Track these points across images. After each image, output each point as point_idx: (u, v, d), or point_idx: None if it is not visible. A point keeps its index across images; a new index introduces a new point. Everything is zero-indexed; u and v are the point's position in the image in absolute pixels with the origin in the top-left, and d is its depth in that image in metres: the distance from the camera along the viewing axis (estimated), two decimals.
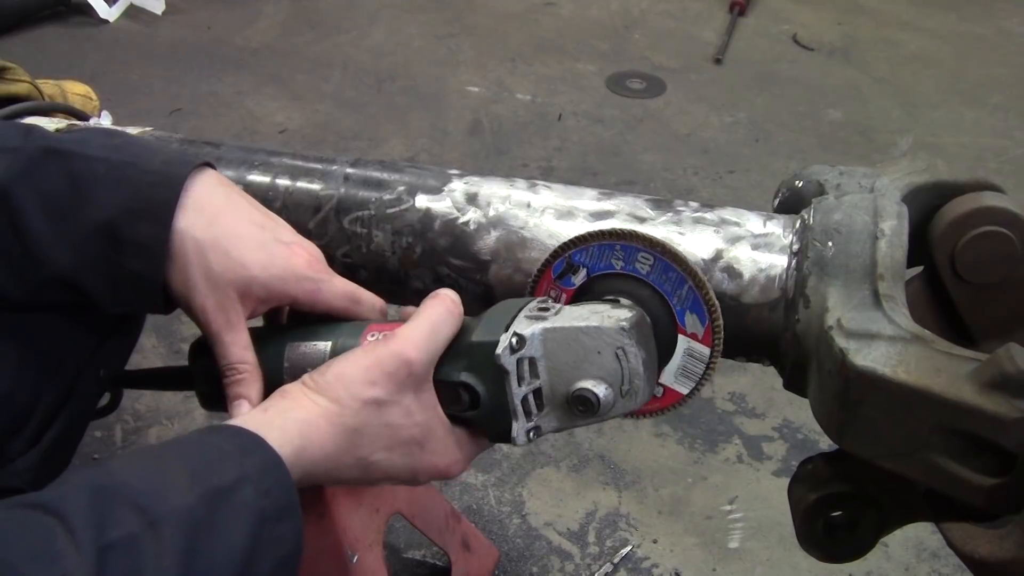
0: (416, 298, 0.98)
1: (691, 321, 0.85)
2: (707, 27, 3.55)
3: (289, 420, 0.74)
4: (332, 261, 0.98)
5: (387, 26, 3.48)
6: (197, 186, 0.83)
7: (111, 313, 0.86)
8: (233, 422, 0.72)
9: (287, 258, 0.84)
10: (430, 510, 1.40)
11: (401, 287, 0.98)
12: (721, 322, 0.84)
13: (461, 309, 0.83)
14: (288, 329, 0.91)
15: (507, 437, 0.80)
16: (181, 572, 0.61)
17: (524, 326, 0.79)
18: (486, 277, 0.95)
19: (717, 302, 0.84)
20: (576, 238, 0.86)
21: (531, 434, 0.80)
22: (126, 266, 0.81)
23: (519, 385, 0.79)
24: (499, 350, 0.77)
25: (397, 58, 3.27)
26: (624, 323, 0.78)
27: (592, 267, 0.86)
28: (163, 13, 3.44)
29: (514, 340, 0.78)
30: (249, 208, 0.86)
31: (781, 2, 3.75)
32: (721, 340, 0.85)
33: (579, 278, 0.87)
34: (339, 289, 0.86)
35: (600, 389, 0.78)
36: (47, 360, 0.88)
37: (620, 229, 0.85)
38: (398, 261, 0.97)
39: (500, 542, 1.63)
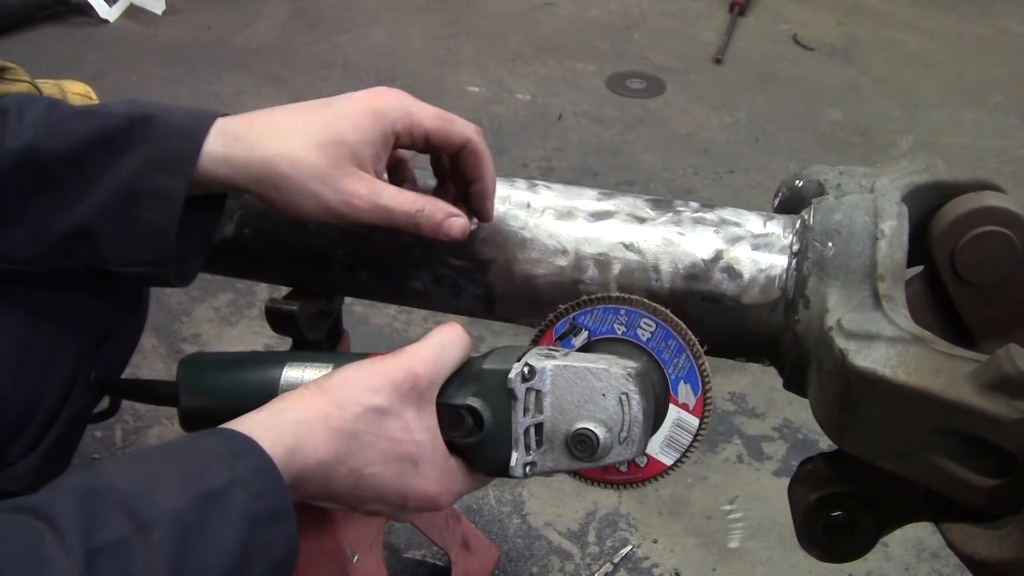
0: (416, 299, 0.99)
1: (684, 391, 0.86)
2: (707, 27, 3.55)
3: (284, 420, 0.73)
4: (332, 262, 0.99)
5: (387, 26, 3.48)
6: (232, 125, 0.82)
7: (119, 274, 0.84)
8: (226, 425, 0.72)
9: (368, 106, 0.85)
10: None
11: (400, 288, 0.98)
12: (713, 395, 0.86)
13: (469, 339, 0.83)
14: (288, 352, 0.91)
15: (504, 468, 0.81)
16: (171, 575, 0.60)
17: (536, 360, 0.80)
18: (486, 278, 0.95)
19: (711, 374, 0.86)
20: (582, 300, 0.87)
21: (527, 468, 0.81)
22: (142, 217, 0.81)
23: (524, 415, 0.80)
24: (511, 375, 0.79)
25: (397, 58, 3.27)
26: (631, 370, 0.80)
27: (594, 330, 0.87)
28: (163, 13, 3.44)
29: (526, 370, 0.79)
30: (291, 105, 0.86)
31: (781, 2, 3.75)
32: (711, 413, 0.86)
33: (580, 340, 0.87)
34: (429, 108, 0.87)
35: (600, 431, 0.79)
36: (47, 362, 0.88)
37: (626, 296, 0.86)
38: (397, 261, 0.97)
39: (500, 542, 1.63)
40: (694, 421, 0.86)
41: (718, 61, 3.30)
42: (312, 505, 1.08)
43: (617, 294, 0.87)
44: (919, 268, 0.93)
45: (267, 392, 0.83)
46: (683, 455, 0.87)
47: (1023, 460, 0.71)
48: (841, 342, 0.78)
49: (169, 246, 0.82)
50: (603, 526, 1.67)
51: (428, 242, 0.91)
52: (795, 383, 0.89)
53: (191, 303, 2.13)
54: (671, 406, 0.86)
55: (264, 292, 2.12)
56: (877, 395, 0.75)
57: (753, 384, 1.96)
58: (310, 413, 0.74)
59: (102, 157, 0.81)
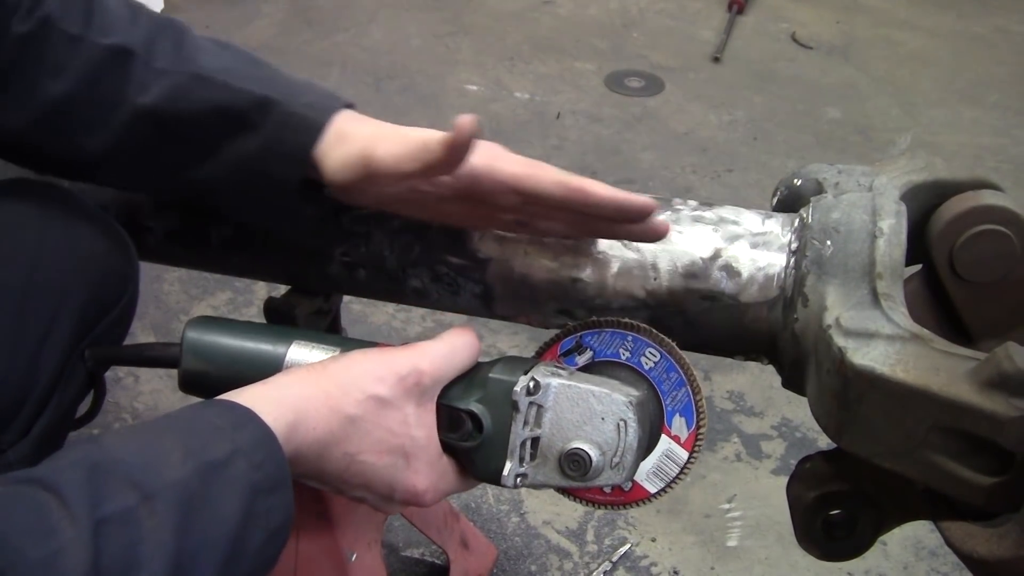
0: (415, 297, 0.99)
1: (678, 424, 0.87)
2: (706, 26, 3.55)
3: (287, 394, 0.74)
4: (330, 260, 0.99)
5: (385, 25, 3.48)
6: (348, 126, 0.88)
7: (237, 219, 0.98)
8: (227, 396, 0.73)
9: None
10: (429, 509, 1.40)
11: (399, 286, 0.98)
12: (706, 431, 0.87)
13: (480, 345, 0.85)
14: (296, 329, 0.91)
15: (496, 476, 0.82)
16: (176, 545, 0.61)
17: (542, 376, 0.81)
18: (485, 276, 0.95)
19: (707, 413, 0.87)
20: (591, 321, 0.88)
21: (518, 479, 0.82)
22: (259, 194, 0.89)
23: (523, 428, 0.81)
24: (517, 387, 0.80)
25: (396, 57, 3.26)
26: (633, 399, 0.81)
27: (599, 351, 0.88)
28: (162, 11, 3.43)
29: (531, 384, 0.80)
30: (394, 129, 0.92)
31: (780, 1, 3.75)
32: (701, 450, 0.87)
33: (583, 359, 0.88)
34: (515, 158, 0.89)
35: (594, 453, 0.80)
36: (38, 346, 0.88)
37: (636, 323, 0.87)
38: (396, 260, 0.97)
39: (499, 540, 1.63)
40: (683, 455, 0.87)
41: (716, 60, 3.30)
42: (311, 504, 1.08)
43: (628, 320, 0.87)
44: (918, 267, 0.93)
45: (271, 366, 0.83)
46: (667, 486, 0.88)
47: (1021, 458, 0.71)
48: (840, 340, 0.78)
49: (286, 214, 0.91)
50: (601, 525, 1.67)
51: (427, 240, 0.91)
52: (794, 381, 0.89)
53: (189, 301, 2.13)
54: (663, 436, 0.87)
55: (263, 290, 2.12)
56: (875, 393, 0.75)
57: (752, 383, 1.96)
58: (312, 391, 0.75)
59: (223, 129, 0.87)
